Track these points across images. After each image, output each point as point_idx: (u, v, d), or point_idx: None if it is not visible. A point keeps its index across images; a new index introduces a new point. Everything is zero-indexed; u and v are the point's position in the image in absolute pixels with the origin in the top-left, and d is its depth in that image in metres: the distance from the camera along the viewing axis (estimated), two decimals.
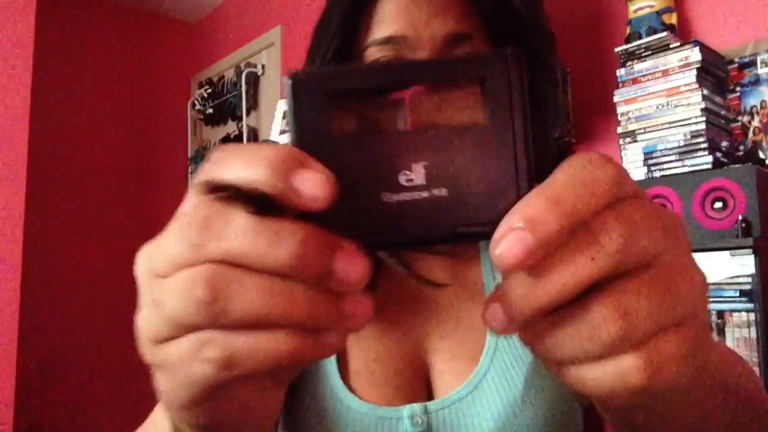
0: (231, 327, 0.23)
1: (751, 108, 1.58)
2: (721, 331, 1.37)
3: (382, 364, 0.58)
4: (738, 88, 1.60)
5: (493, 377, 0.57)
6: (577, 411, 0.60)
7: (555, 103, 0.63)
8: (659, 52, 1.59)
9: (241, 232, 0.23)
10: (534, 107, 0.53)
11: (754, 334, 1.31)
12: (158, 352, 0.26)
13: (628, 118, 1.63)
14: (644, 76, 1.61)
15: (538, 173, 0.28)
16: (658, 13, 1.66)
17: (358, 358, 0.59)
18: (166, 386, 0.27)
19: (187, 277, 0.23)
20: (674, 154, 1.54)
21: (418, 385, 0.59)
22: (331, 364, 0.58)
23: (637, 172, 1.60)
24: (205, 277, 0.23)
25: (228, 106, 3.37)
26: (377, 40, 0.56)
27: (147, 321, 0.28)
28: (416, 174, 0.25)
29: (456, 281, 0.62)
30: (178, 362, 0.25)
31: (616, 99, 1.65)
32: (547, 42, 0.60)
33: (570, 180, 0.23)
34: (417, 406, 0.56)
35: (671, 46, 1.58)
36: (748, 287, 1.34)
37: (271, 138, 2.35)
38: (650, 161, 1.58)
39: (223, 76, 3.48)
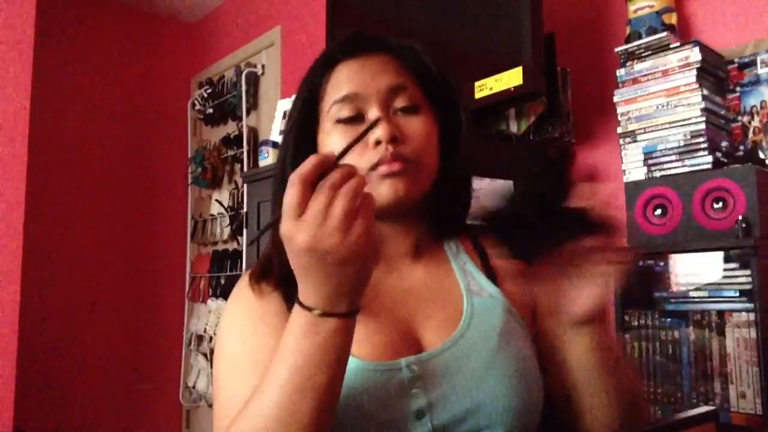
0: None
1: (751, 108, 1.58)
2: (721, 331, 1.37)
3: (380, 334, 0.74)
4: (738, 88, 1.60)
5: (472, 333, 0.75)
6: (539, 378, 0.78)
7: (466, 149, 0.82)
8: (659, 52, 1.59)
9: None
10: (451, 139, 0.82)
11: (753, 334, 1.31)
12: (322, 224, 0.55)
13: (628, 118, 1.63)
14: (644, 76, 1.61)
15: (450, 191, 0.81)
16: (658, 13, 1.65)
17: (359, 332, 0.69)
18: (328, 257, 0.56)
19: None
20: (674, 154, 1.54)
21: (411, 348, 0.74)
22: None
23: (637, 172, 1.60)
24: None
25: (228, 106, 3.37)
26: (338, 99, 0.75)
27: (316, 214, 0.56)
28: None
29: (426, 272, 0.82)
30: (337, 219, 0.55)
31: (616, 99, 1.65)
32: (459, 97, 0.83)
33: None
34: (412, 358, 0.72)
35: (671, 46, 1.58)
36: (748, 287, 1.34)
37: (271, 138, 2.34)
38: (650, 161, 1.58)
39: (223, 76, 3.48)
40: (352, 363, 0.69)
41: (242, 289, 0.78)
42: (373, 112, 0.74)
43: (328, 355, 0.59)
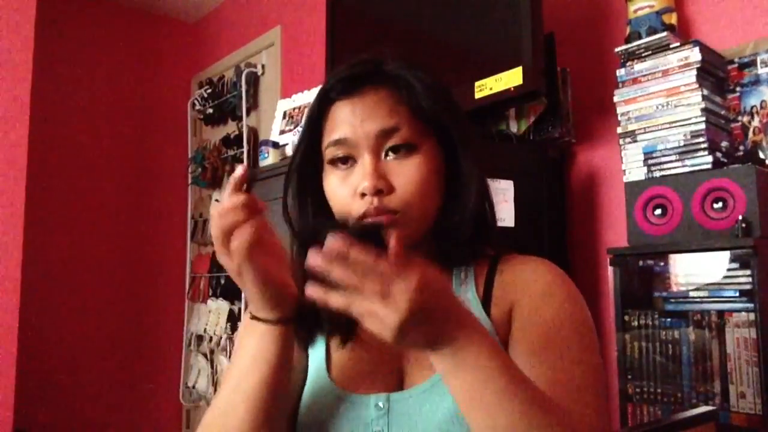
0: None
1: (751, 108, 1.58)
2: (721, 331, 1.37)
3: (362, 364, 0.77)
4: (738, 88, 1.60)
5: None
6: None
7: (477, 176, 0.78)
8: (659, 52, 1.59)
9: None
10: (456, 180, 0.79)
11: (753, 334, 1.31)
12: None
13: (628, 118, 1.63)
14: (644, 76, 1.61)
15: (460, 219, 0.75)
16: (658, 13, 1.65)
17: (344, 360, 0.78)
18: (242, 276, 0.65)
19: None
20: (674, 154, 1.54)
21: (393, 382, 0.76)
22: (321, 364, 0.79)
23: (637, 172, 1.60)
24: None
25: (228, 106, 3.37)
26: (331, 142, 0.76)
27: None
28: None
29: None
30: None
31: (616, 99, 1.65)
32: (463, 128, 0.79)
33: None
34: (382, 395, 0.74)
35: (671, 46, 1.58)
36: (748, 287, 1.34)
37: (271, 138, 2.34)
38: (650, 161, 1.58)
39: (223, 76, 3.48)
40: (328, 386, 0.76)
41: None
42: (364, 159, 0.74)
43: (261, 355, 0.68)
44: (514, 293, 0.76)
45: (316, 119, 0.79)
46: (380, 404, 0.73)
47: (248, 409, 0.68)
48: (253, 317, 0.67)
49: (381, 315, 0.55)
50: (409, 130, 0.75)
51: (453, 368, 0.60)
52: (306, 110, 0.85)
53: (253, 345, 0.68)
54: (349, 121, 0.75)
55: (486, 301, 0.78)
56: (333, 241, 0.54)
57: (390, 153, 0.75)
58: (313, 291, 0.56)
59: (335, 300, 0.56)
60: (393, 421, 0.72)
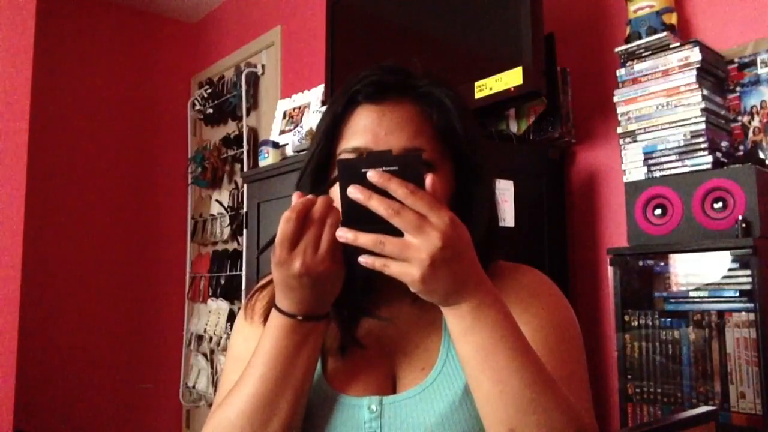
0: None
1: (751, 108, 1.58)
2: (721, 331, 1.37)
3: (357, 368, 0.78)
4: (738, 88, 1.60)
5: (439, 385, 0.75)
6: None
7: (489, 202, 0.78)
8: (659, 52, 1.59)
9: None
10: (469, 207, 0.78)
11: (753, 334, 1.31)
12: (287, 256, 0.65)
13: (628, 118, 1.63)
14: (644, 76, 1.61)
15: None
16: (658, 13, 1.65)
17: (340, 363, 0.79)
18: (285, 283, 0.67)
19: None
20: (674, 154, 1.54)
21: (386, 386, 0.77)
22: (318, 365, 0.77)
23: (637, 172, 1.60)
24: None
25: (228, 106, 3.37)
26: (348, 149, 0.75)
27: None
28: None
29: (418, 317, 0.80)
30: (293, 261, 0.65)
31: (616, 99, 1.65)
32: (482, 155, 0.78)
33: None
34: (375, 398, 0.75)
35: (671, 46, 1.58)
36: (748, 287, 1.34)
37: (271, 138, 2.34)
38: (650, 161, 1.58)
39: (223, 76, 3.48)
40: (323, 387, 0.77)
41: (244, 305, 0.88)
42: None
43: (304, 351, 0.70)
44: (503, 296, 0.75)
45: (338, 118, 0.77)
46: (373, 407, 0.74)
47: (295, 398, 0.71)
48: (308, 318, 0.69)
49: (413, 248, 0.57)
50: (431, 151, 0.74)
51: (470, 327, 0.62)
52: (325, 107, 0.82)
53: (298, 341, 0.70)
54: (374, 131, 0.73)
55: None
56: (373, 174, 0.58)
57: None
58: (343, 231, 0.60)
59: (365, 239, 0.58)
60: (385, 423, 0.74)
